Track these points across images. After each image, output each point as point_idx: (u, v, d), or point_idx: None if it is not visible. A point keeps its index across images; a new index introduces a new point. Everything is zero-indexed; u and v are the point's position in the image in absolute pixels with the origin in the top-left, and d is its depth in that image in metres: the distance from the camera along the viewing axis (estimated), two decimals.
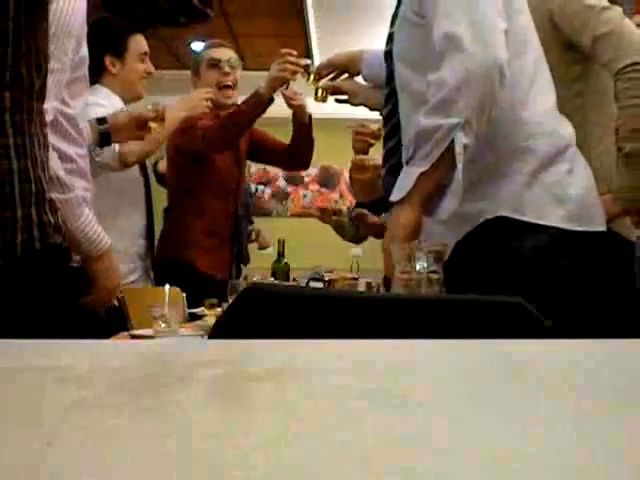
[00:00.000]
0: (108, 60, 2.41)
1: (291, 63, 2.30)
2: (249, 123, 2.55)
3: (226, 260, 2.72)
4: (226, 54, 2.69)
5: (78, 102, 1.46)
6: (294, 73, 2.30)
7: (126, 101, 2.47)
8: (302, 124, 2.64)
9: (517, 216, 1.18)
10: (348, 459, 0.24)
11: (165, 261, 2.57)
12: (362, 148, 2.23)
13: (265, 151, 2.83)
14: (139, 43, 2.46)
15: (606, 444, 0.26)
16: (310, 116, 2.65)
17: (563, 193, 1.20)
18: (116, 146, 2.21)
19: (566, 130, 1.26)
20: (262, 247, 3.81)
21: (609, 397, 0.34)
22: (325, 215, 2.98)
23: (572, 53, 1.46)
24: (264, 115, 2.53)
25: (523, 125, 1.21)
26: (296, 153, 2.73)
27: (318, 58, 5.41)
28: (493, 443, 0.26)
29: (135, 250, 2.41)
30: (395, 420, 0.29)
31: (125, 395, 0.32)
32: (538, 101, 1.24)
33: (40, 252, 0.98)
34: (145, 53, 2.46)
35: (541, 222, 1.18)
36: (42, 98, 1.01)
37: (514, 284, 1.14)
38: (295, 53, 2.33)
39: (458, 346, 0.47)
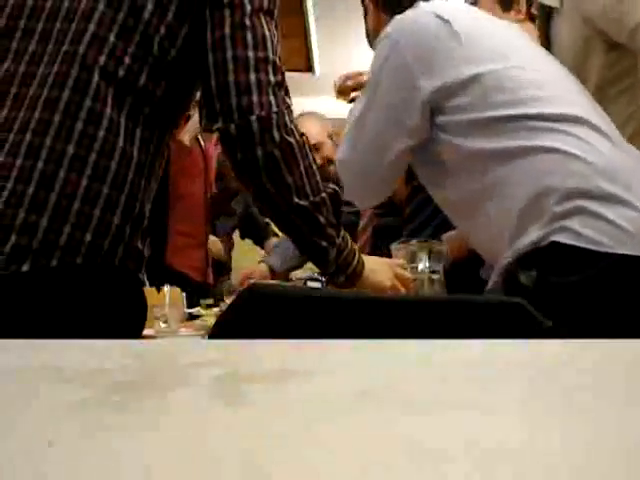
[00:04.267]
0: None
1: None
2: None
3: (201, 262, 2.75)
4: None
5: None
6: None
7: None
8: None
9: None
10: (348, 460, 0.24)
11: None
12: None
13: None
14: None
15: (606, 444, 0.26)
16: None
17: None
18: None
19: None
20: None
21: (609, 397, 0.34)
22: None
23: (614, 53, 1.42)
24: None
25: None
26: None
27: (318, 56, 5.40)
28: (493, 443, 0.26)
29: None
30: (395, 420, 0.29)
31: (125, 395, 0.32)
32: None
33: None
34: None
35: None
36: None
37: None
38: None
39: (458, 346, 0.47)
